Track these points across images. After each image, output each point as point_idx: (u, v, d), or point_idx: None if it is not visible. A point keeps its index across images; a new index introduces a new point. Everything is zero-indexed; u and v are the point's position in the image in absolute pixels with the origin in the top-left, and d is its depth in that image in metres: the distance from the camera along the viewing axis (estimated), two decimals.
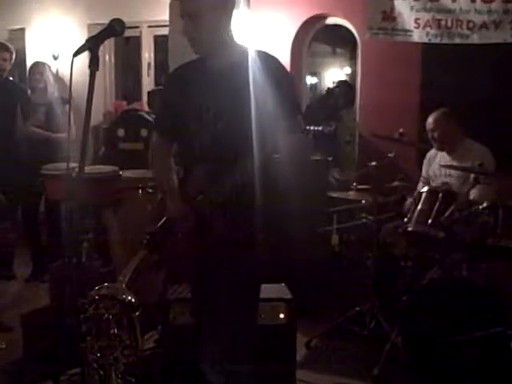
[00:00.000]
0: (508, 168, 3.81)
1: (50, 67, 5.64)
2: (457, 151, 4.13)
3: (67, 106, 4.56)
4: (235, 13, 2.39)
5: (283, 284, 3.39)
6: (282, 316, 3.19)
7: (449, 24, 4.71)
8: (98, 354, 1.90)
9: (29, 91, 5.46)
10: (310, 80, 9.51)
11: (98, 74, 1.96)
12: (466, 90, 5.01)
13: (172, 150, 2.63)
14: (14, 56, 5.11)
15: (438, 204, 3.64)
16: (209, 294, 2.47)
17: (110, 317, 1.90)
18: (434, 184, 4.16)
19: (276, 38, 5.67)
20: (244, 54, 2.37)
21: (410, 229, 3.73)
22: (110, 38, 2.11)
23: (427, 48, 5.05)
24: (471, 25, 4.65)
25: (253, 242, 2.40)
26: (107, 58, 7.29)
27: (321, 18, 5.77)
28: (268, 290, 3.21)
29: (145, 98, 6.75)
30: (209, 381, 2.45)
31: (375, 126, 4.95)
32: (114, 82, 7.47)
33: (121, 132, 5.62)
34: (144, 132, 5.51)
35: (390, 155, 4.19)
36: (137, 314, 1.93)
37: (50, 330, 3.19)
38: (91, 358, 1.91)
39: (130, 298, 1.92)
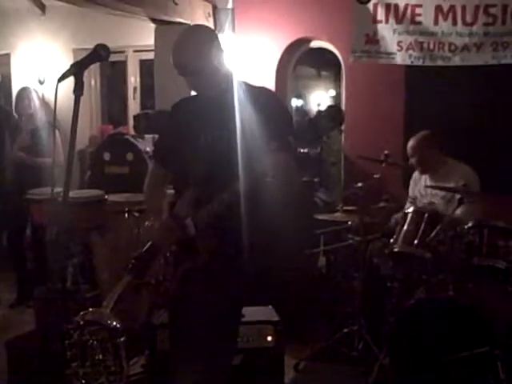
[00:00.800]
0: (493, 187, 3.84)
1: (37, 92, 5.64)
2: (439, 172, 4.17)
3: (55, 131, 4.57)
4: (221, 38, 2.44)
5: (270, 306, 3.38)
6: (269, 339, 3.18)
7: (431, 46, 4.78)
8: (83, 381, 1.89)
9: (16, 116, 5.45)
10: (296, 102, 9.57)
11: (84, 98, 1.98)
12: (451, 111, 5.07)
13: (167, 178, 2.69)
14: None
15: (423, 224, 3.66)
16: (185, 320, 2.43)
17: (95, 342, 1.89)
18: (420, 204, 4.19)
19: (261, 61, 5.72)
20: (230, 79, 2.43)
21: (396, 249, 3.74)
22: (96, 63, 2.13)
23: (411, 70, 5.12)
24: (453, 47, 4.72)
25: (238, 264, 2.39)
26: (93, 82, 7.31)
27: (305, 41, 5.83)
28: (255, 313, 3.21)
29: (131, 121, 6.73)
30: None
31: (360, 148, 4.99)
32: (99, 106, 7.48)
33: (107, 156, 5.60)
34: (130, 156, 5.49)
35: (375, 176, 4.22)
36: (122, 339, 1.92)
37: (35, 355, 3.16)
38: None
39: (114, 323, 1.92)
